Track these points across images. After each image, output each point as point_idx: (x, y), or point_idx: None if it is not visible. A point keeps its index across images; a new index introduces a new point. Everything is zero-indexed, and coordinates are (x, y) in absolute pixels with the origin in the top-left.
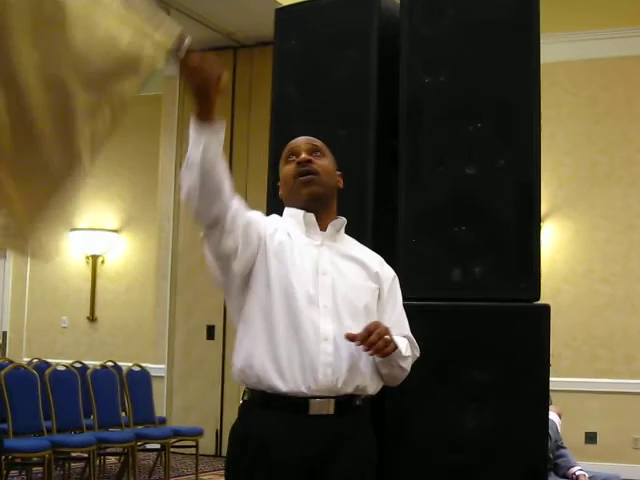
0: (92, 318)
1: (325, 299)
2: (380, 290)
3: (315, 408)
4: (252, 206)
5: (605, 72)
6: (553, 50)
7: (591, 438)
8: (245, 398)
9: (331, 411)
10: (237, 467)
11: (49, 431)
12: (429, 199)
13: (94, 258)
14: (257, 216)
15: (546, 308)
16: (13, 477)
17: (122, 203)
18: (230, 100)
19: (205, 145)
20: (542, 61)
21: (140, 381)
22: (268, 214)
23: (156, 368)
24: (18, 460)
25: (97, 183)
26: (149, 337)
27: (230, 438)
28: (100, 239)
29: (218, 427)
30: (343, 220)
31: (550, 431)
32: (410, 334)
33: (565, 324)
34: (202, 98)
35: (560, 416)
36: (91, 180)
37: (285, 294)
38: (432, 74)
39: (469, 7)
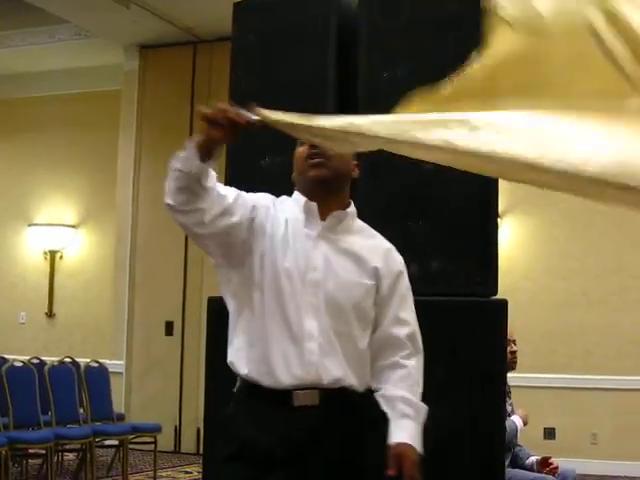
0: (50, 314)
1: (311, 297)
2: (379, 286)
3: (299, 399)
4: None
5: None
6: None
7: (550, 433)
8: (237, 385)
9: (316, 402)
10: (223, 450)
11: (6, 427)
12: (386, 193)
13: (52, 254)
14: (241, 200)
15: (503, 303)
16: None
17: (80, 198)
18: (189, 96)
19: (183, 165)
20: None
21: (98, 377)
22: None
23: (114, 364)
24: None
25: (55, 179)
26: (107, 333)
27: (224, 425)
28: (58, 234)
29: (177, 423)
30: (347, 212)
31: (508, 428)
32: (417, 331)
33: (523, 320)
34: (204, 135)
35: (525, 422)
36: (49, 176)
37: (274, 289)
38: (390, 68)
39: (427, 1)
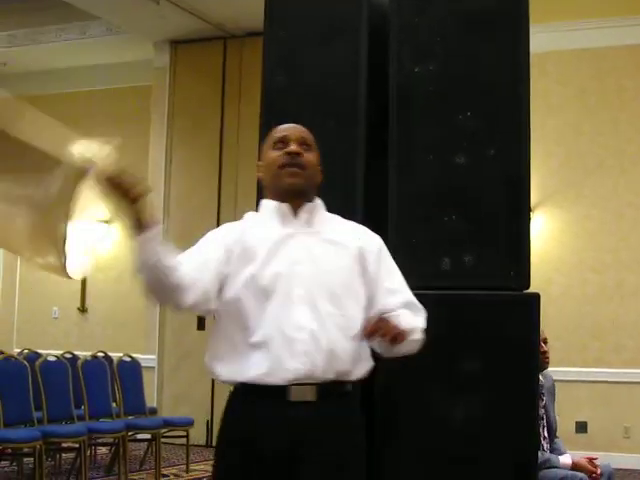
0: (83, 309)
1: (299, 288)
2: (365, 265)
3: (295, 395)
4: (241, 196)
5: (595, 62)
6: (543, 40)
7: (582, 427)
8: (231, 389)
9: (312, 398)
10: (222, 454)
11: (40, 422)
12: (419, 188)
13: None
14: (206, 255)
15: (536, 297)
16: (4, 468)
17: None
18: (220, 91)
19: (144, 254)
20: (532, 51)
21: (131, 371)
22: (258, 203)
23: (147, 359)
24: (9, 451)
25: None
26: (140, 327)
27: (219, 427)
28: (91, 230)
29: (209, 417)
30: (314, 204)
31: (545, 458)
32: (412, 297)
33: (555, 314)
34: (126, 212)
35: (577, 468)
36: None
37: (258, 290)
38: (421, 63)
39: None
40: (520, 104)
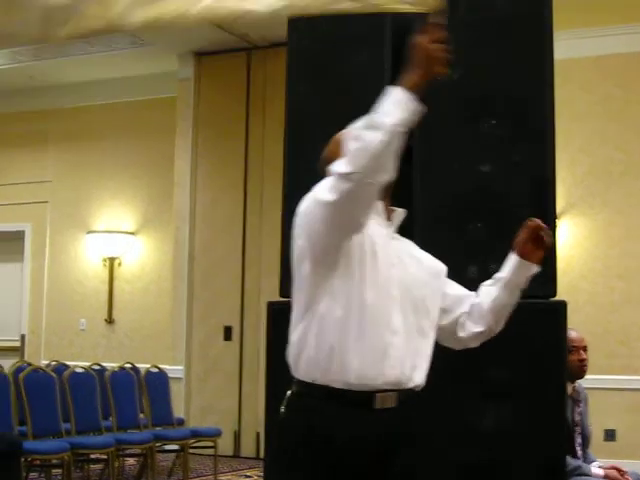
0: (110, 320)
1: (395, 291)
2: (441, 284)
3: (380, 402)
4: (268, 207)
5: (619, 68)
6: (567, 46)
7: (610, 435)
8: (294, 389)
9: (394, 404)
10: (296, 461)
11: (68, 433)
12: (444, 196)
13: (111, 260)
14: None
15: (563, 304)
16: (33, 479)
17: (138, 205)
18: (244, 101)
19: (409, 113)
20: (556, 58)
21: (158, 382)
22: (284, 214)
23: (174, 369)
24: (37, 462)
25: (113, 186)
26: (167, 339)
27: (283, 431)
28: (117, 241)
29: (236, 428)
30: (400, 214)
31: (577, 466)
32: None
33: (582, 321)
34: (422, 72)
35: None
36: (107, 183)
37: (361, 284)
38: None
39: (482, 3)
40: (545, 111)
